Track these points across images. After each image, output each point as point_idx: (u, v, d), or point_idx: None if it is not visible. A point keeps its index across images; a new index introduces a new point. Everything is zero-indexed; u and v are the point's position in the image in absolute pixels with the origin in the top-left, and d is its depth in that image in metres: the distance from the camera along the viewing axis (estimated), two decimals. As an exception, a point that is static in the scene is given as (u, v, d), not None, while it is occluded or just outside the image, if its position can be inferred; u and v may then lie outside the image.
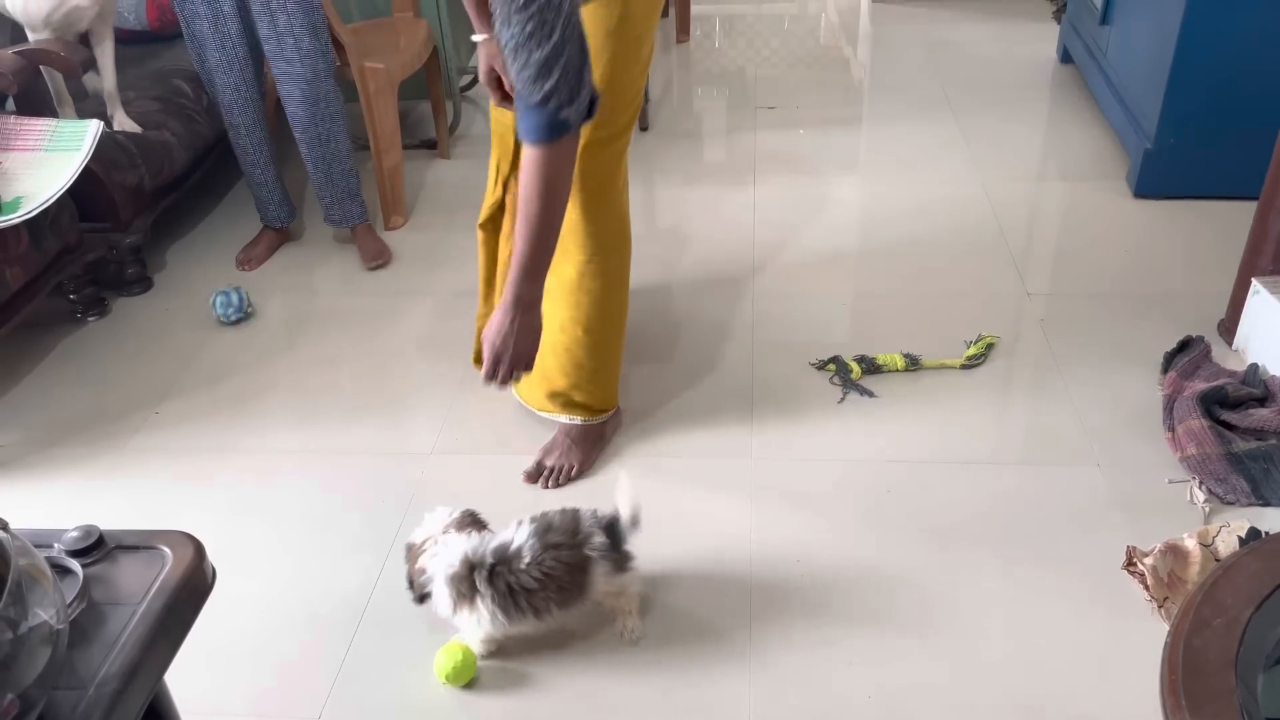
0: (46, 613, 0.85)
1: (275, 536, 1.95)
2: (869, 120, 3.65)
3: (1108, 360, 2.30)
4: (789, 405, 2.22)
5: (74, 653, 0.93)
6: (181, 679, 1.18)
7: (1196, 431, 2.00)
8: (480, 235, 2.12)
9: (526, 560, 1.55)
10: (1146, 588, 1.71)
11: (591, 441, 2.08)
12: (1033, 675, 1.61)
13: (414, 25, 3.21)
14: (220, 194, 3.23)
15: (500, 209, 2.06)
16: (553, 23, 1.42)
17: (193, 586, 1.03)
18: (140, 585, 1.01)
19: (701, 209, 3.05)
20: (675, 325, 2.50)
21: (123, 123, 2.65)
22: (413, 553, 1.64)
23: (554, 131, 1.52)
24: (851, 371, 2.28)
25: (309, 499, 2.04)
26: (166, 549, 1.05)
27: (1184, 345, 2.27)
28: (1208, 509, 1.89)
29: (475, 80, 3.94)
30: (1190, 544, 1.73)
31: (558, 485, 2.02)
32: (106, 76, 2.63)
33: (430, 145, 3.49)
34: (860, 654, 1.66)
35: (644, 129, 3.56)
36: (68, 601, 0.96)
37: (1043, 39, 4.19)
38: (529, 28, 1.42)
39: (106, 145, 2.50)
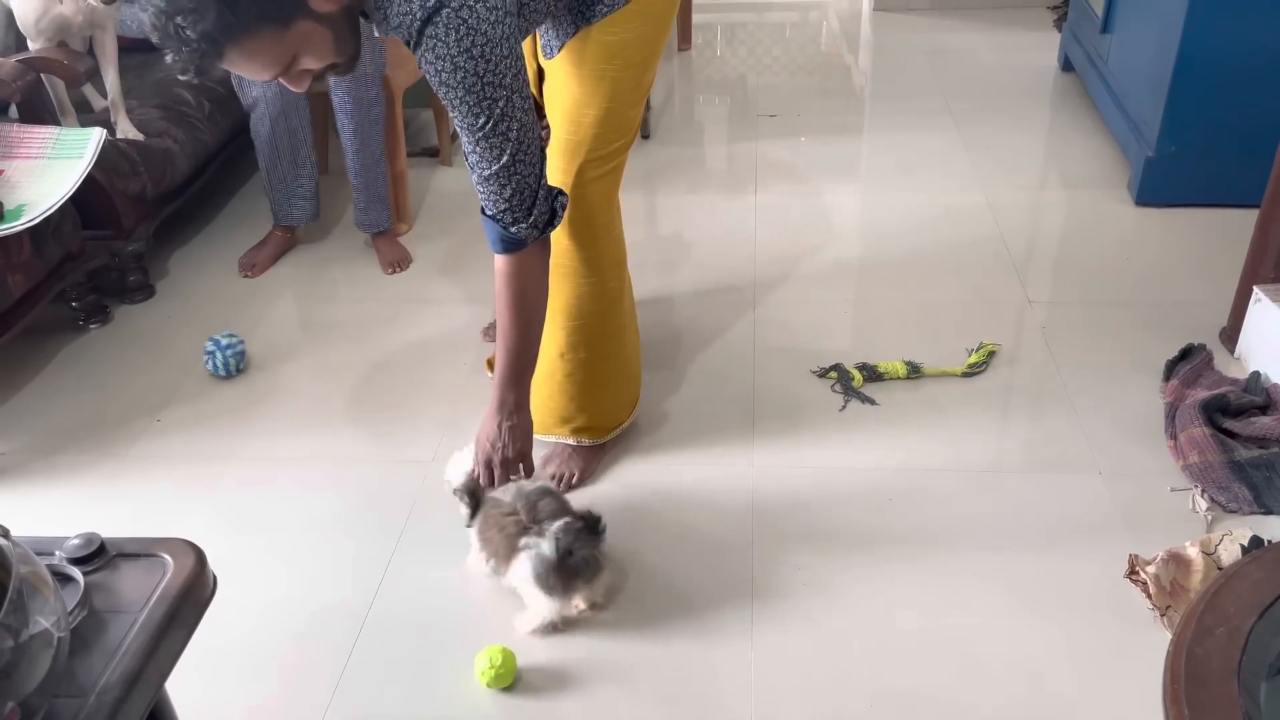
0: (48, 620, 0.85)
1: (277, 544, 1.95)
2: (870, 128, 3.66)
3: (1109, 368, 2.30)
4: (790, 413, 2.22)
5: (75, 661, 0.93)
6: (182, 687, 1.18)
7: (1199, 439, 2.00)
8: None
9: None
10: (1149, 596, 1.71)
11: (594, 451, 2.08)
12: (1035, 683, 1.61)
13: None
14: (222, 202, 3.23)
15: None
16: (500, 147, 1.48)
17: (194, 594, 1.03)
18: (141, 593, 1.01)
19: (703, 217, 3.05)
20: (676, 333, 2.50)
21: (125, 130, 2.65)
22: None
23: (509, 246, 1.58)
24: (853, 379, 2.28)
25: (310, 507, 2.04)
26: (168, 557, 1.05)
27: (1186, 353, 2.27)
28: (1210, 517, 1.88)
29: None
30: (1193, 552, 1.73)
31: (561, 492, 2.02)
32: (110, 84, 2.64)
33: (433, 153, 3.49)
34: (861, 662, 1.65)
35: (645, 137, 3.57)
36: (69, 609, 0.96)
37: (1043, 47, 4.20)
38: (479, 149, 1.49)
39: (109, 153, 2.51)
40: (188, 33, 1.30)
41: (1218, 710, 0.98)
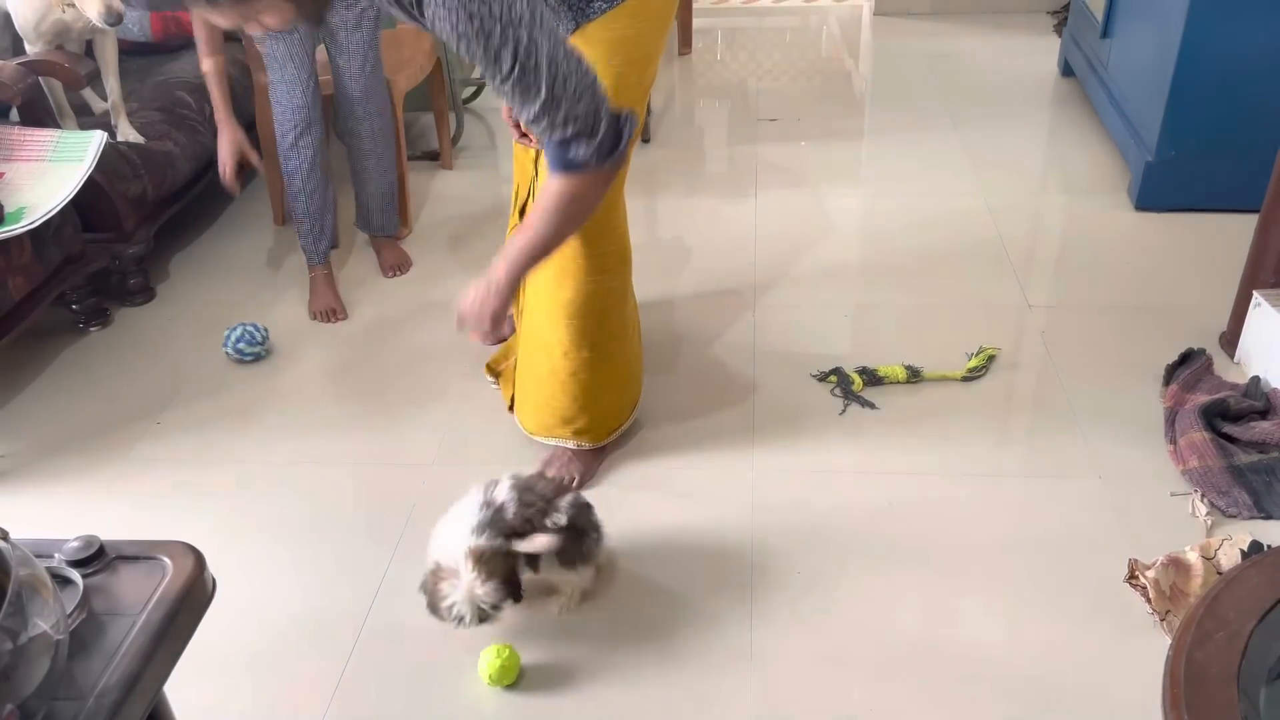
0: (47, 623, 0.85)
1: (276, 547, 1.95)
2: (870, 133, 3.66)
3: (1109, 373, 2.30)
4: (790, 417, 2.22)
5: (74, 663, 0.92)
6: (181, 690, 1.18)
7: (1198, 444, 2.00)
8: None
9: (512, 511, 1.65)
10: (1148, 601, 1.70)
11: (593, 454, 2.08)
12: (1034, 688, 1.61)
13: (418, 37, 3.22)
14: (223, 205, 3.23)
15: None
16: (534, 84, 1.42)
17: (193, 597, 1.03)
18: (140, 596, 1.01)
19: (703, 221, 3.05)
20: (677, 336, 2.50)
21: (126, 133, 2.65)
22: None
23: (566, 167, 1.53)
24: (853, 383, 2.28)
25: (310, 509, 2.04)
26: (167, 559, 1.05)
27: (1185, 358, 2.27)
28: (1210, 522, 1.88)
29: (478, 92, 3.96)
30: (1192, 557, 1.73)
31: None
32: (111, 88, 2.64)
33: (433, 156, 3.49)
34: (862, 666, 1.65)
35: (645, 141, 3.57)
36: (68, 612, 0.96)
37: (1043, 52, 4.20)
38: (515, 93, 1.44)
39: (110, 156, 2.51)
40: None
41: (1217, 714, 0.98)
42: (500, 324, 1.70)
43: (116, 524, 2.01)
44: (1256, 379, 2.18)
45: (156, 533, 1.20)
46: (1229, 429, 2.05)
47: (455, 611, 1.60)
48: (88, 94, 2.84)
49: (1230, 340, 2.34)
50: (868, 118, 3.80)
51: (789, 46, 4.60)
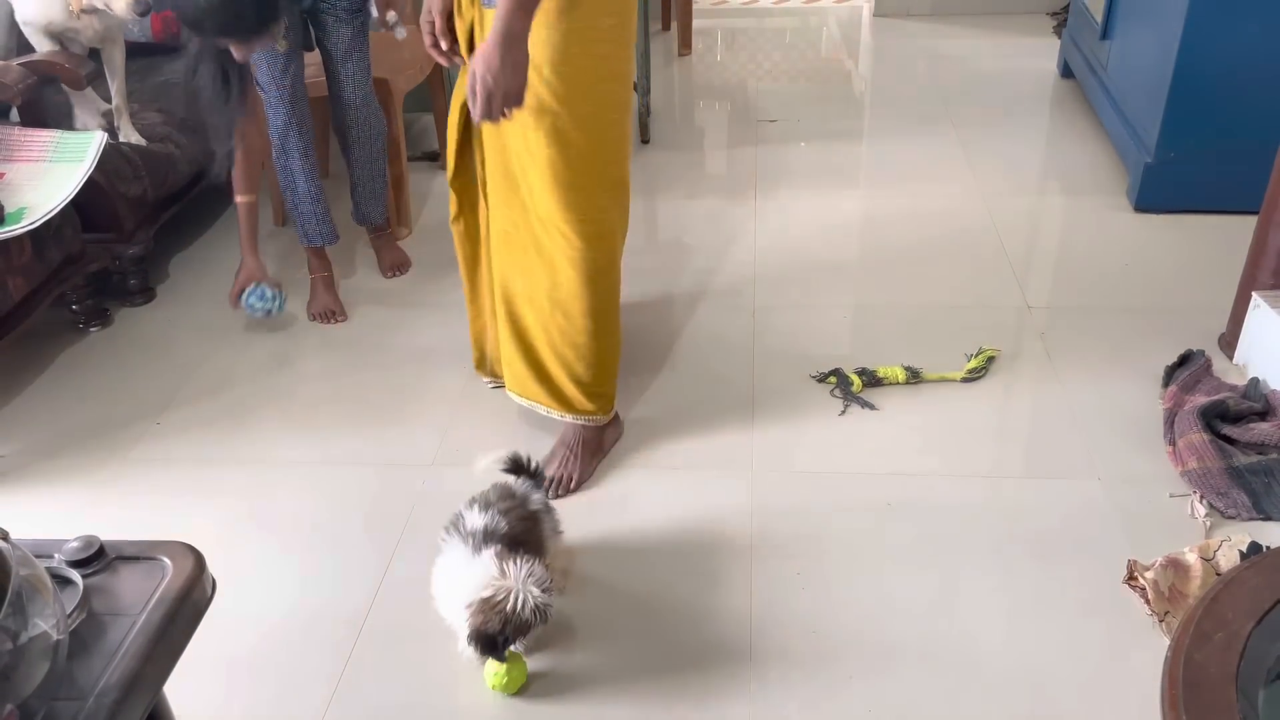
0: (46, 623, 0.85)
1: (276, 547, 1.95)
2: (870, 134, 3.66)
3: (1108, 374, 2.30)
4: (790, 418, 2.22)
5: (74, 663, 0.93)
6: (181, 690, 1.18)
7: (1197, 445, 2.00)
8: (455, 231, 2.12)
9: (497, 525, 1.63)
10: (1147, 602, 1.71)
11: (591, 451, 2.08)
12: (1033, 689, 1.61)
13: (418, 38, 3.22)
14: (223, 206, 3.23)
15: (467, 206, 2.07)
16: None
17: (193, 597, 1.03)
18: (140, 596, 1.01)
19: (703, 222, 3.06)
20: (676, 337, 2.50)
21: (129, 135, 2.66)
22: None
23: None
24: (852, 384, 2.28)
25: (310, 510, 2.04)
26: (167, 560, 1.05)
27: (1185, 359, 2.27)
28: (1209, 523, 1.88)
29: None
30: (1191, 558, 1.73)
31: (558, 496, 2.01)
32: (115, 90, 2.64)
33: (433, 157, 3.50)
34: (861, 668, 1.65)
35: (645, 141, 3.57)
36: (68, 612, 0.96)
37: (1043, 53, 4.20)
38: None
39: (110, 156, 2.51)
40: None
41: (1216, 715, 0.98)
42: (523, 91, 1.67)
43: (116, 524, 2.01)
44: (1255, 380, 2.18)
45: (156, 533, 1.20)
46: (1228, 430, 2.05)
47: (518, 617, 1.52)
48: (89, 95, 2.84)
49: (1229, 341, 2.34)
50: (867, 119, 3.80)
51: (789, 47, 4.60)
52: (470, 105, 1.67)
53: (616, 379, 2.11)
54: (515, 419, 2.22)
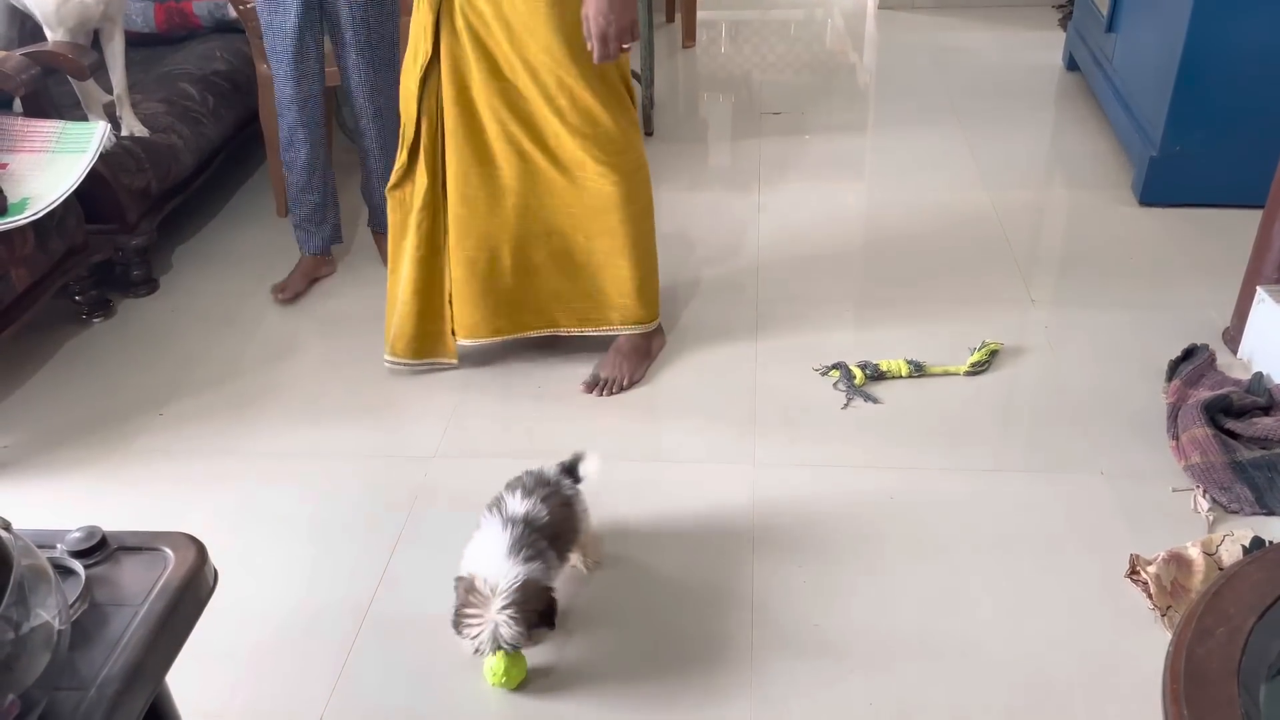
0: (49, 613, 0.85)
1: (278, 539, 1.95)
2: (874, 126, 3.65)
3: (1112, 368, 2.30)
4: (792, 411, 2.22)
5: (75, 653, 0.93)
6: (182, 680, 1.18)
7: (1200, 440, 2.00)
8: (389, 201, 2.21)
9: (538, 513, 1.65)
10: (1150, 596, 1.70)
11: (640, 355, 2.31)
12: (1035, 683, 1.61)
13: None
14: (226, 197, 3.23)
15: (405, 174, 2.16)
16: None
17: (195, 588, 1.03)
18: (142, 586, 1.01)
19: (706, 214, 3.05)
20: (679, 329, 2.50)
21: (131, 126, 2.65)
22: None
23: None
24: (855, 377, 2.27)
25: (312, 501, 2.04)
26: (169, 550, 1.06)
27: (1188, 353, 2.26)
28: (1211, 518, 1.88)
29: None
30: (1194, 553, 1.73)
31: (610, 394, 2.25)
32: (117, 80, 2.64)
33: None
34: (862, 662, 1.65)
35: (649, 134, 3.56)
36: (70, 602, 0.96)
37: (1048, 46, 4.19)
38: None
39: (113, 148, 2.51)
40: None
41: (1217, 711, 0.98)
42: (636, 25, 1.90)
43: (119, 515, 2.01)
44: (1259, 375, 2.18)
45: (159, 524, 1.21)
46: (1231, 425, 2.04)
47: (478, 644, 1.54)
48: (91, 85, 2.83)
49: (1233, 336, 2.33)
50: (871, 111, 3.79)
51: (793, 39, 4.59)
52: (590, 48, 1.90)
53: (659, 287, 2.32)
54: (518, 410, 2.23)
